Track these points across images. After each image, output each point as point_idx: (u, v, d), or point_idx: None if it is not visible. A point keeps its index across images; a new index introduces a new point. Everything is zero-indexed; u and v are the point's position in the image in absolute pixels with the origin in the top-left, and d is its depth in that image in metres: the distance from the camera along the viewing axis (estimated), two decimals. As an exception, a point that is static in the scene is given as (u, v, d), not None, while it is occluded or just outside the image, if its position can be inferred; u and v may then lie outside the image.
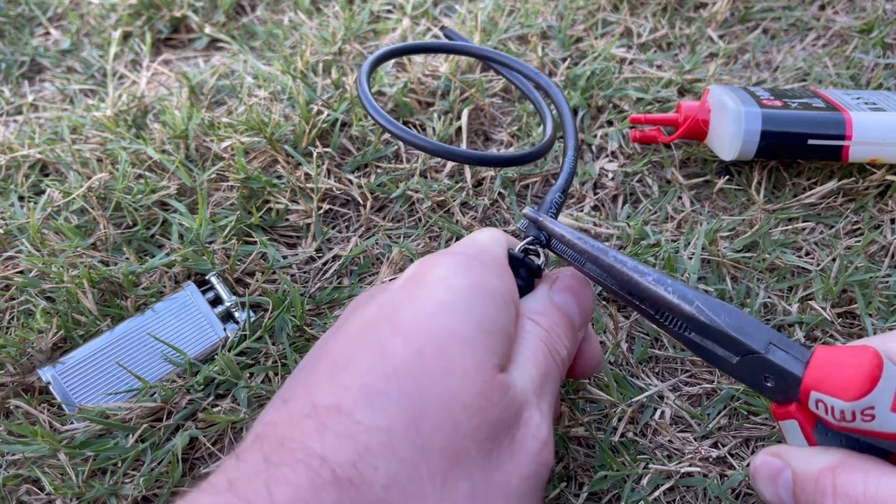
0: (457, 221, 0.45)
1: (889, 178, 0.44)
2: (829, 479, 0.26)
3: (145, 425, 0.36)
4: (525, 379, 0.26)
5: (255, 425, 0.25)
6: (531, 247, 0.31)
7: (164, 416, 0.37)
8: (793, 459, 0.27)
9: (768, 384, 0.28)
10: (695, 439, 0.36)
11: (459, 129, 0.49)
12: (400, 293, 0.27)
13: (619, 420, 0.36)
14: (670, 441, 0.36)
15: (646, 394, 0.36)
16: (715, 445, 0.36)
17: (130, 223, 0.45)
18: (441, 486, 0.22)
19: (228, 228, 0.43)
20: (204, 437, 0.36)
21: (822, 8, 0.57)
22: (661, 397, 0.37)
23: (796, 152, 0.44)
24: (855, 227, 0.44)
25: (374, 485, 0.21)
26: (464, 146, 0.48)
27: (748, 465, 0.35)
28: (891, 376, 0.26)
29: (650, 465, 0.34)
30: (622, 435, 0.36)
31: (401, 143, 0.49)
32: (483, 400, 0.24)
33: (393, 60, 0.51)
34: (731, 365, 0.29)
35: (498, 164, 0.41)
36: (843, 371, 0.26)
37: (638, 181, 0.47)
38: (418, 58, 0.53)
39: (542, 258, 0.31)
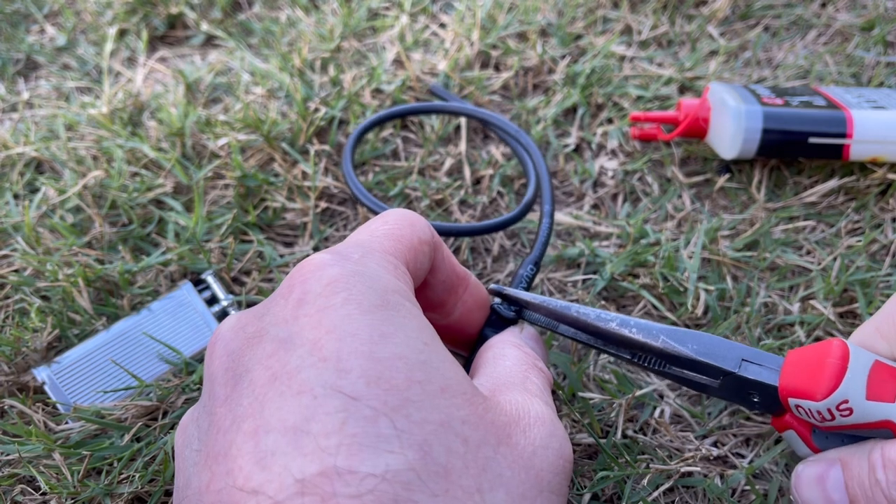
0: (455, 220, 0.44)
1: (890, 176, 0.44)
2: (877, 455, 0.25)
3: (141, 424, 0.36)
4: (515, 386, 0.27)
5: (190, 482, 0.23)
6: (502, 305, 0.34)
7: (160, 416, 0.37)
8: (838, 455, 0.27)
9: (755, 400, 0.28)
10: (695, 438, 0.36)
11: (458, 127, 0.49)
12: (305, 319, 0.24)
13: (619, 417, 0.36)
14: (670, 440, 0.35)
15: (644, 390, 0.36)
16: (715, 445, 0.36)
17: (126, 221, 0.45)
18: (482, 500, 0.22)
19: (225, 227, 0.43)
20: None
21: (824, 5, 0.57)
22: (661, 395, 0.37)
23: (797, 151, 0.44)
24: (856, 226, 0.43)
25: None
26: (463, 145, 0.48)
27: (749, 464, 0.34)
28: (859, 366, 0.25)
29: (651, 465, 0.34)
30: (623, 434, 0.35)
31: (399, 141, 0.49)
32: (475, 408, 0.24)
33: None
34: (716, 389, 0.29)
35: (469, 233, 0.41)
36: (809, 371, 0.26)
37: (638, 179, 0.47)
38: (416, 55, 0.53)
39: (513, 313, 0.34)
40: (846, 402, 0.25)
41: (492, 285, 0.34)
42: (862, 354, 0.26)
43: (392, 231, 0.28)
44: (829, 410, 0.25)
